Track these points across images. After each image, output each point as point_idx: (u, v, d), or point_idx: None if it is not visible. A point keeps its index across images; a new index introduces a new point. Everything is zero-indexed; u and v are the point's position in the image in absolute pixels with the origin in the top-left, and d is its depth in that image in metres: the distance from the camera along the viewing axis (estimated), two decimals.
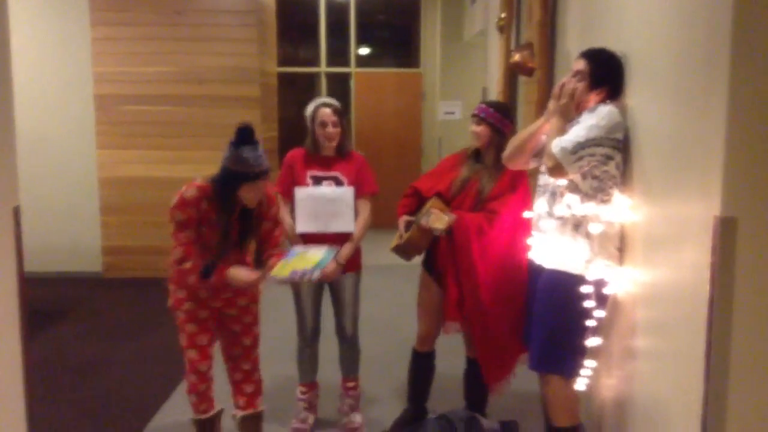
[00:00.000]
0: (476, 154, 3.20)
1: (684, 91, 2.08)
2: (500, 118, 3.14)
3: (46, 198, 6.50)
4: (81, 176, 6.51)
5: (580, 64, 2.65)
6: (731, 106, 1.77)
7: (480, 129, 3.12)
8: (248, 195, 2.69)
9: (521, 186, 3.08)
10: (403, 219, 3.24)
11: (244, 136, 2.64)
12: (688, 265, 2.03)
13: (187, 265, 2.67)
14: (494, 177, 3.10)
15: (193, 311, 2.81)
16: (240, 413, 3.02)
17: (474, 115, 3.16)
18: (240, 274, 2.73)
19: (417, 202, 3.28)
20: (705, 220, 1.86)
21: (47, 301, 5.76)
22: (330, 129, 3.21)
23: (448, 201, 3.14)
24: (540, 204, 2.76)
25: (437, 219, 3.00)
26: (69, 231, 6.60)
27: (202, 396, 2.93)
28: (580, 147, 2.47)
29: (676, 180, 2.14)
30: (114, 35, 6.30)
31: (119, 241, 6.54)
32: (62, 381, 4.05)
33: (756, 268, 1.81)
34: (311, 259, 2.98)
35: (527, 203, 3.00)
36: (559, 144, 2.51)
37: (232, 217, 2.75)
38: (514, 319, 2.95)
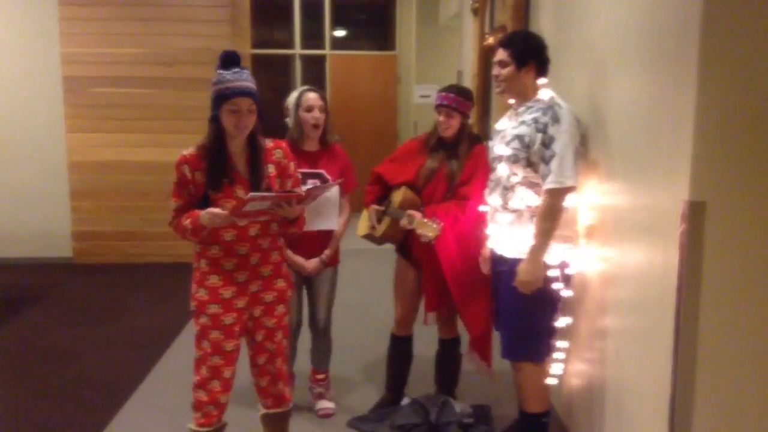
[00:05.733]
0: (439, 143, 3.12)
1: (653, 74, 2.09)
2: (467, 104, 3.11)
3: (15, 183, 6.38)
4: (50, 160, 6.38)
5: (500, 54, 2.67)
6: (700, 92, 1.78)
7: (453, 121, 3.06)
8: (229, 119, 2.40)
9: (483, 166, 2.99)
10: (373, 208, 3.21)
11: (225, 60, 2.45)
12: (658, 248, 2.04)
13: (184, 220, 2.45)
14: (461, 162, 3.07)
15: (217, 316, 2.50)
16: (263, 410, 2.75)
17: (444, 106, 3.05)
18: (211, 210, 2.38)
19: (382, 189, 3.25)
20: (674, 204, 1.87)
21: (18, 287, 5.66)
22: (317, 113, 3.13)
23: (419, 190, 3.11)
24: (494, 198, 2.75)
25: (424, 226, 2.89)
26: (39, 216, 6.48)
27: (220, 407, 2.56)
28: (573, 172, 2.48)
29: (645, 164, 2.15)
30: (82, 15, 6.15)
31: (90, 227, 6.44)
32: (34, 367, 3.99)
33: (724, 251, 1.84)
34: None
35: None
36: (555, 184, 2.47)
37: (224, 150, 2.46)
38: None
